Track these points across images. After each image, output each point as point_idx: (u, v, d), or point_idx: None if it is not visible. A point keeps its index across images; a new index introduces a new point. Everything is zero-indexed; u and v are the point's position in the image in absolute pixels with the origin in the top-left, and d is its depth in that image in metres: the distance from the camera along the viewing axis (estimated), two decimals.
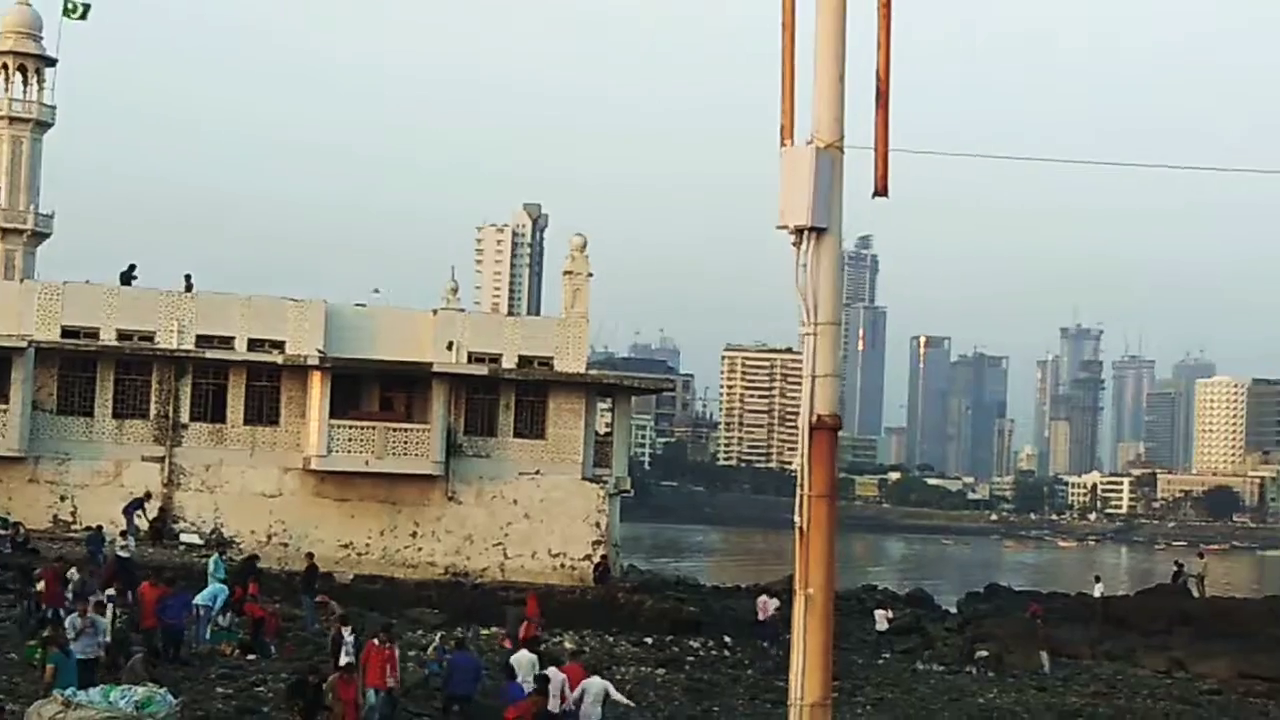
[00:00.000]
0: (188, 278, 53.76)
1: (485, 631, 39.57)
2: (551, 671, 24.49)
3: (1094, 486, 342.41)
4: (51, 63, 67.83)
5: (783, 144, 10.36)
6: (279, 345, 51.26)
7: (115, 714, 20.67)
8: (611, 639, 41.53)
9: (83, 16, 64.98)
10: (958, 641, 49.40)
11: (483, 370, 50.79)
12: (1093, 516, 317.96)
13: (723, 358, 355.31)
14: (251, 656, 30.84)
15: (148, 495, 46.55)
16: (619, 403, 54.28)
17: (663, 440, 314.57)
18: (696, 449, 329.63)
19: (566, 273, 55.05)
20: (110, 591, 31.35)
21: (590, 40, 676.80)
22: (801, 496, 10.23)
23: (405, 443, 48.85)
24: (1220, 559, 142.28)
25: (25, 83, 67.34)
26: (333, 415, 48.43)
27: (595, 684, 23.96)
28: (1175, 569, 60.95)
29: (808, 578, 10.21)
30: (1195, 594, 57.36)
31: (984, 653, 45.68)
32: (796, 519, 10.24)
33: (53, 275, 57.24)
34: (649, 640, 42.14)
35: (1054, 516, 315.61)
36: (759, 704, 33.07)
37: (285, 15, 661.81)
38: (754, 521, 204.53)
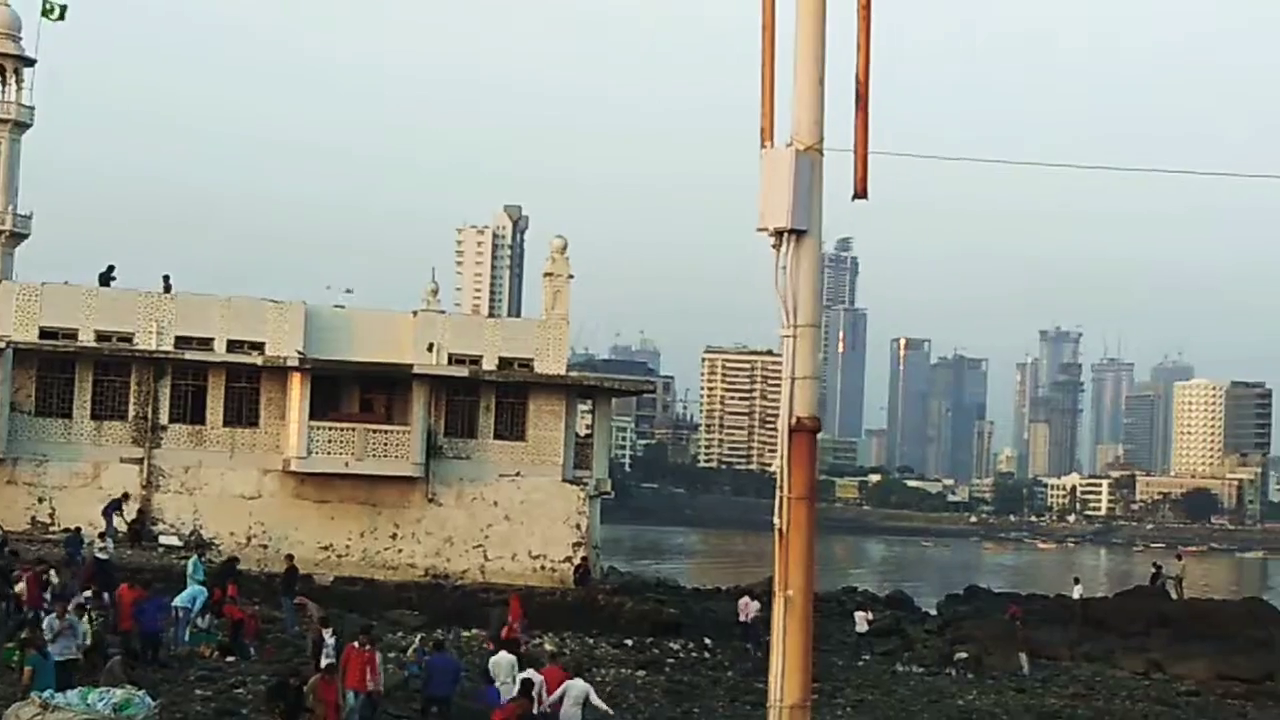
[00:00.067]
0: (166, 279, 53.59)
1: (466, 633, 39.57)
2: (529, 674, 24.47)
3: (1073, 488, 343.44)
4: (30, 63, 67.52)
5: (763, 146, 10.38)
6: (258, 346, 51.14)
7: (93, 716, 20.60)
8: (592, 641, 41.53)
9: (60, 18, 64.75)
10: (937, 643, 49.54)
11: (463, 372, 50.74)
12: (1072, 518, 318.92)
13: (703, 360, 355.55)
14: (231, 658, 30.76)
15: (126, 496, 46.37)
16: (599, 404, 54.26)
17: (643, 442, 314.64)
18: (677, 451, 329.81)
19: (547, 274, 55.01)
20: (87, 593, 31.21)
21: (572, 40, 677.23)
22: (781, 498, 10.25)
23: (385, 444, 48.78)
24: (1198, 561, 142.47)
25: (4, 83, 67.04)
26: (312, 417, 48.32)
27: (577, 686, 23.91)
28: (1154, 571, 61.19)
29: (787, 579, 10.22)
30: (1173, 596, 57.58)
31: (963, 654, 45.81)
32: (776, 521, 10.26)
33: (31, 276, 56.99)
34: (629, 642, 42.16)
35: (1033, 518, 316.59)
36: (739, 706, 33.10)
37: (274, 13, 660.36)
38: (734, 523, 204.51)
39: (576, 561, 49.74)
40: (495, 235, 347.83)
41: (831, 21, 10.27)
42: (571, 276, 54.44)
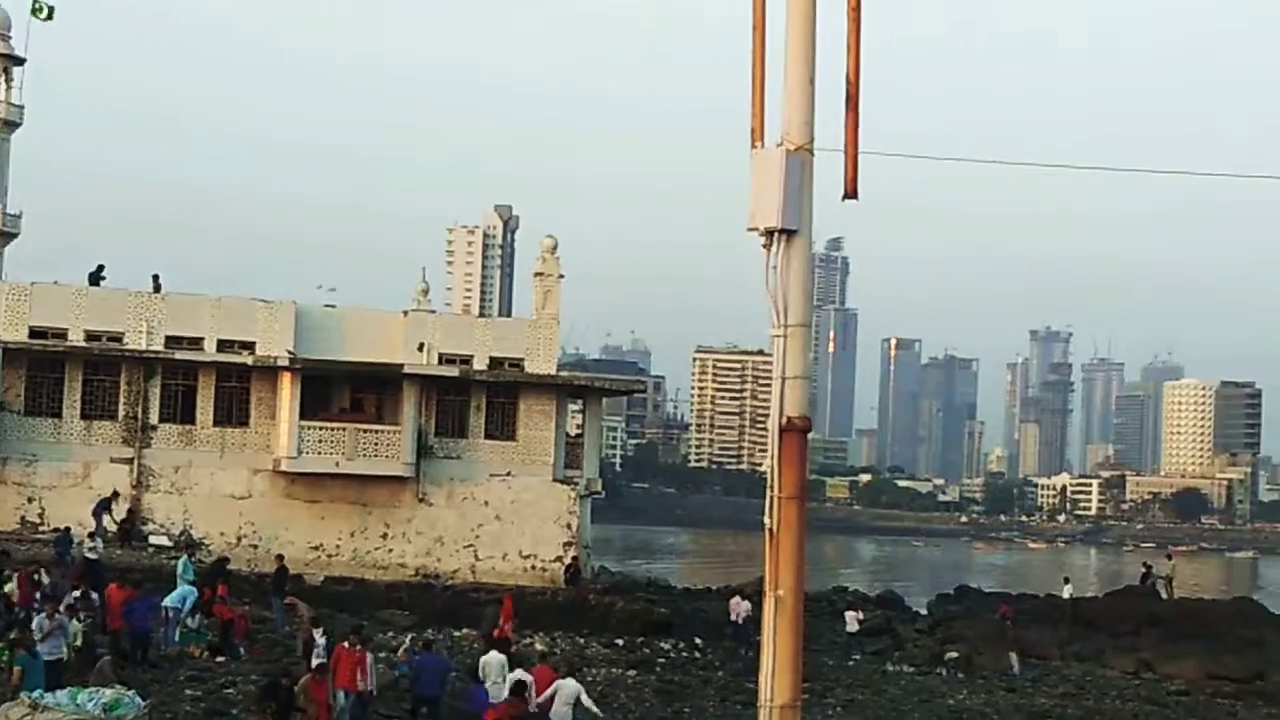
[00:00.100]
0: (155, 278, 53.53)
1: (457, 633, 39.56)
2: (519, 674, 24.47)
3: (1063, 488, 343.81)
4: (20, 61, 67.36)
5: (753, 146, 10.38)
6: (249, 346, 51.10)
7: (82, 716, 20.58)
8: (582, 640, 41.54)
9: (49, 17, 64.54)
10: (928, 643, 49.55)
11: (453, 372, 50.72)
12: (1062, 518, 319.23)
13: (694, 359, 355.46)
14: (221, 659, 30.74)
15: (115, 495, 46.33)
16: (590, 404, 54.27)
17: (634, 442, 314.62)
18: (667, 451, 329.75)
19: (537, 274, 55.00)
20: (76, 593, 31.19)
21: (566, 40, 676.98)
22: (772, 498, 10.25)
23: (376, 444, 48.75)
24: (1188, 560, 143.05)
25: None
26: (303, 416, 48.29)
27: (569, 686, 23.91)
28: (1144, 570, 61.24)
29: (778, 579, 10.22)
30: (1163, 595, 57.64)
31: (954, 654, 45.83)
32: (767, 521, 10.26)
33: (20, 275, 56.78)
34: (620, 642, 42.17)
35: (1023, 518, 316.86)
36: (729, 705, 33.11)
37: (266, 11, 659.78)
38: (725, 523, 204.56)
39: (567, 561, 49.74)
40: (486, 235, 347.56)
41: (822, 21, 10.27)
42: (562, 276, 54.44)
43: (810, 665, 31.87)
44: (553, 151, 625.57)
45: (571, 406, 54.26)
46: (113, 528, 45.04)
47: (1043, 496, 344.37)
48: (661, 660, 40.25)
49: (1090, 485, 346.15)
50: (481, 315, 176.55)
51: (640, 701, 32.95)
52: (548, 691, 23.61)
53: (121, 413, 48.53)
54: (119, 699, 21.30)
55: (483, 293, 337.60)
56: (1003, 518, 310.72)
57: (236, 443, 48.95)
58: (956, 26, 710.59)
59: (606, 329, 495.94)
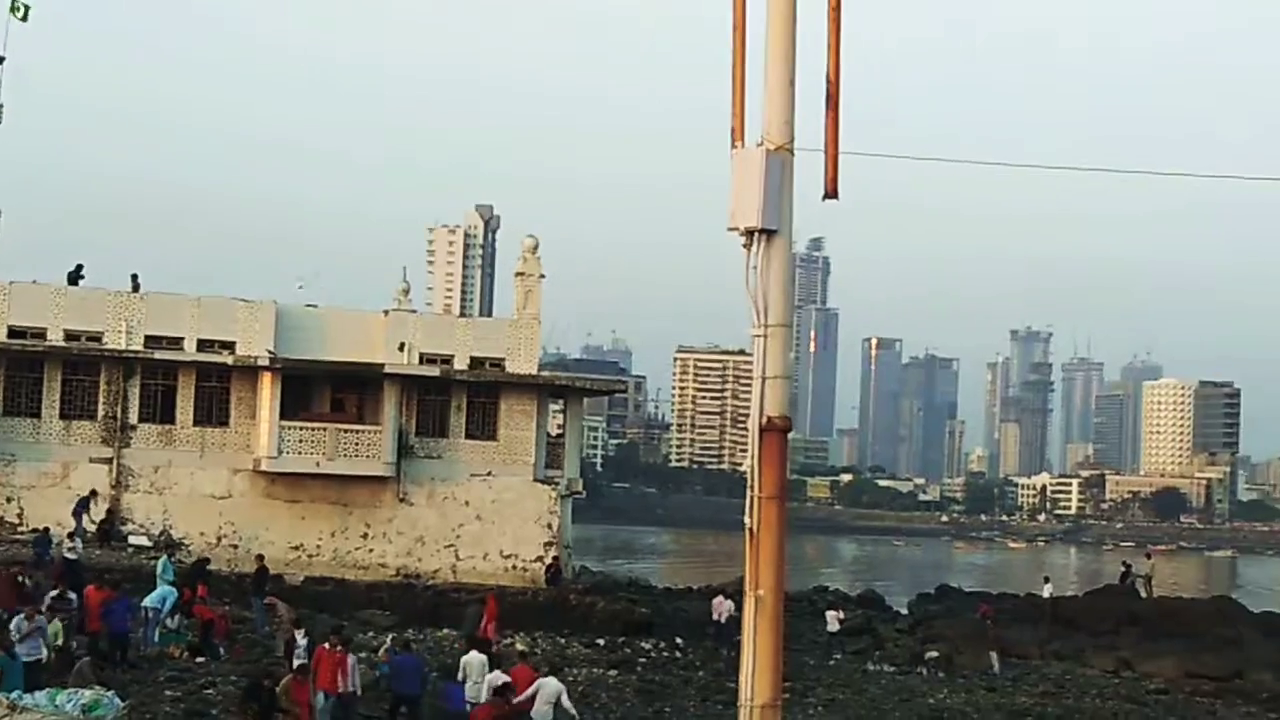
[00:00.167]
0: (134, 277, 53.29)
1: (439, 633, 39.51)
2: (496, 674, 24.44)
3: (1043, 488, 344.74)
4: None
5: (733, 146, 10.38)
6: (229, 346, 50.98)
7: (61, 717, 20.51)
8: (563, 640, 41.50)
9: (24, 18, 64.30)
10: (909, 642, 49.61)
11: (434, 371, 50.66)
12: (1042, 518, 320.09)
13: (675, 359, 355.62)
14: (200, 659, 30.65)
15: (94, 493, 46.15)
16: (571, 404, 54.25)
17: (615, 442, 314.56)
18: (648, 450, 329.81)
19: (518, 274, 54.96)
20: (54, 593, 31.06)
21: (552, 39, 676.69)
22: (752, 498, 10.26)
23: (356, 444, 48.66)
24: (1167, 559, 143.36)
25: None
26: (283, 416, 48.17)
27: (550, 685, 23.88)
28: (1123, 569, 61.49)
29: (758, 579, 10.23)
30: (1143, 594, 57.87)
31: (934, 653, 45.91)
32: (747, 520, 10.26)
33: None
34: (601, 642, 42.15)
35: (1004, 518, 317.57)
36: (710, 705, 33.10)
37: (258, 10, 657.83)
38: (706, 523, 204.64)
39: (548, 561, 49.71)
40: (466, 234, 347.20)
41: (803, 22, 10.28)
42: (543, 276, 54.42)
43: (791, 665, 31.89)
44: (533, 151, 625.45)
45: (552, 406, 54.23)
46: (91, 527, 44.86)
47: (1023, 496, 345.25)
48: (642, 660, 40.23)
49: (1070, 485, 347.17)
50: (462, 315, 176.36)
51: (621, 701, 32.93)
52: (529, 690, 23.58)
53: (101, 412, 48.37)
54: (98, 700, 21.25)
55: (463, 292, 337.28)
56: (983, 517, 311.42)
57: (216, 442, 48.82)
58: (956, 26, 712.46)
59: (588, 329, 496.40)
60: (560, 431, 54.70)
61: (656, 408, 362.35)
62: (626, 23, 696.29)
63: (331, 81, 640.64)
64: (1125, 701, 39.57)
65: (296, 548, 48.33)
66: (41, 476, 47.53)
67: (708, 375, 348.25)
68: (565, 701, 23.84)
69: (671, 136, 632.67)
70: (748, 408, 10.72)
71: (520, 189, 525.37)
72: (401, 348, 52.57)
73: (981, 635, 47.92)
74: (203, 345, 50.98)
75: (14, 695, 20.99)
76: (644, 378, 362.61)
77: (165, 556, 37.16)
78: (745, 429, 11.05)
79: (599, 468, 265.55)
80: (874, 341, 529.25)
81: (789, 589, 11.44)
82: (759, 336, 10.26)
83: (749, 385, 10.73)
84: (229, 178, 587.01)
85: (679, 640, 44.13)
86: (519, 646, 37.12)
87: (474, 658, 26.06)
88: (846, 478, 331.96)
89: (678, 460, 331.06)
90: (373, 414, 49.26)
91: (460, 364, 52.54)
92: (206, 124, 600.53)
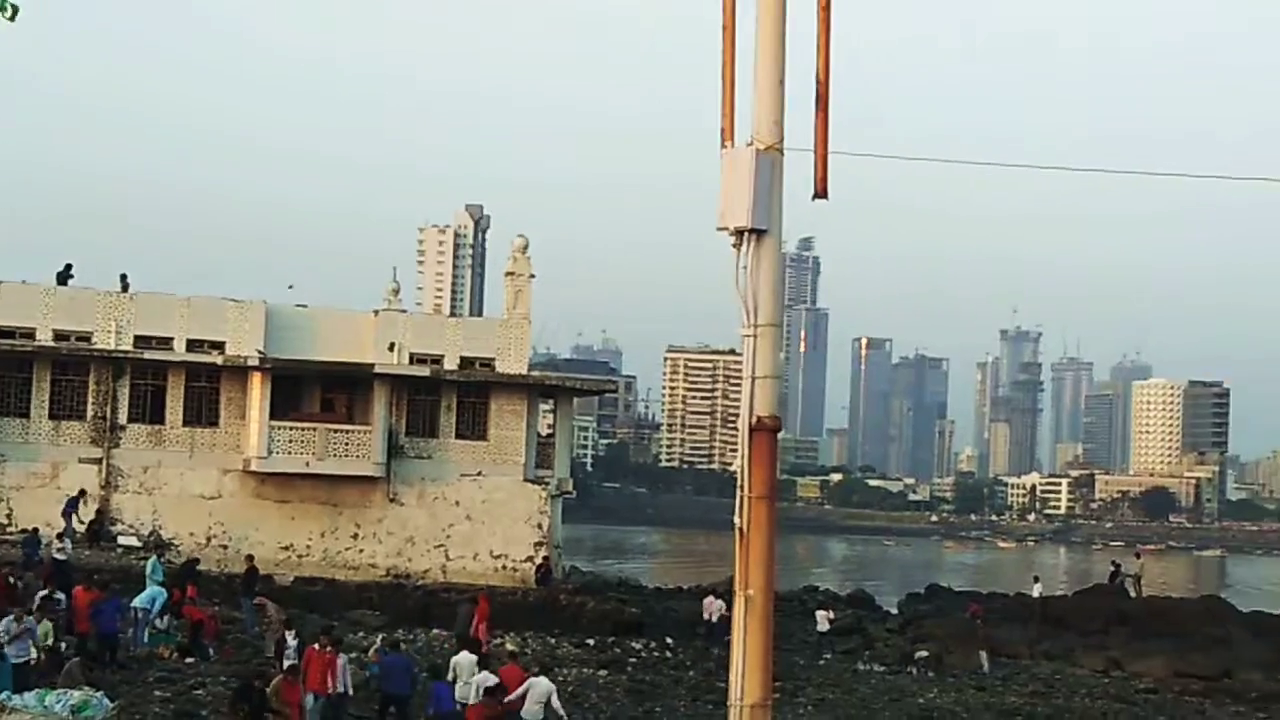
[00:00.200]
0: (123, 277, 53.21)
1: (428, 633, 39.47)
2: (484, 675, 24.41)
3: (1033, 487, 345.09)
4: None
5: (723, 146, 10.39)
6: (219, 346, 50.91)
7: (50, 718, 20.48)
8: (554, 640, 41.50)
9: (12, 18, 64.25)
10: (898, 642, 49.69)
11: (424, 371, 50.62)
12: (1032, 517, 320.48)
13: (665, 359, 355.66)
14: (190, 659, 30.60)
15: (82, 493, 46.07)
16: (561, 404, 54.21)
17: (605, 441, 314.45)
18: (639, 450, 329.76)
19: (508, 274, 54.93)
20: (43, 593, 31.00)
21: (537, 42, 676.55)
22: (742, 498, 10.26)
23: (346, 444, 48.61)
24: (1156, 559, 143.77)
25: None
26: (273, 416, 48.11)
27: (541, 685, 23.88)
28: (1112, 569, 61.57)
29: (748, 579, 10.23)
30: (1132, 594, 57.96)
31: (924, 653, 45.95)
32: (737, 520, 10.27)
33: None
34: (591, 642, 42.15)
35: (994, 517, 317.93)
36: (700, 705, 33.12)
37: (249, 8, 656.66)
38: (696, 523, 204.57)
39: (538, 561, 49.69)
40: (456, 235, 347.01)
41: (793, 22, 10.29)
42: (533, 276, 54.39)
43: (781, 664, 31.94)
44: (522, 152, 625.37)
45: (543, 406, 54.22)
46: (81, 528, 44.78)
47: (1013, 495, 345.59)
48: (633, 660, 40.24)
49: (1060, 484, 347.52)
50: (452, 315, 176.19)
51: (611, 701, 32.94)
52: (520, 689, 23.57)
53: (90, 413, 48.28)
54: (87, 700, 21.22)
55: (454, 292, 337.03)
56: (973, 517, 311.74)
57: (206, 443, 48.75)
58: (956, 26, 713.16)
59: (578, 329, 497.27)
60: (550, 431, 54.68)
61: (647, 407, 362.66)
62: (619, 24, 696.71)
63: (322, 82, 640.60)
64: (1114, 701, 39.64)
65: (286, 548, 48.27)
66: (30, 477, 47.43)
67: (698, 375, 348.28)
68: (555, 702, 23.83)
69: (662, 137, 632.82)
70: (738, 407, 10.73)
71: (510, 189, 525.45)
72: (391, 348, 52.53)
73: (971, 635, 47.98)
74: (192, 345, 50.89)
75: (3, 696, 20.95)
76: (634, 377, 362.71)
77: (155, 557, 37.08)
78: (735, 429, 11.07)
79: (589, 468, 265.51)
80: (864, 341, 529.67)
81: (779, 589, 11.45)
82: (749, 336, 10.26)
83: (739, 385, 10.72)
84: (217, 178, 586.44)
85: (669, 640, 44.14)
86: (509, 646, 37.12)
87: (464, 658, 26.03)
88: (836, 477, 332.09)
89: (668, 460, 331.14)
90: (363, 414, 49.22)
91: (450, 364, 52.51)
92: (196, 124, 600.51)
